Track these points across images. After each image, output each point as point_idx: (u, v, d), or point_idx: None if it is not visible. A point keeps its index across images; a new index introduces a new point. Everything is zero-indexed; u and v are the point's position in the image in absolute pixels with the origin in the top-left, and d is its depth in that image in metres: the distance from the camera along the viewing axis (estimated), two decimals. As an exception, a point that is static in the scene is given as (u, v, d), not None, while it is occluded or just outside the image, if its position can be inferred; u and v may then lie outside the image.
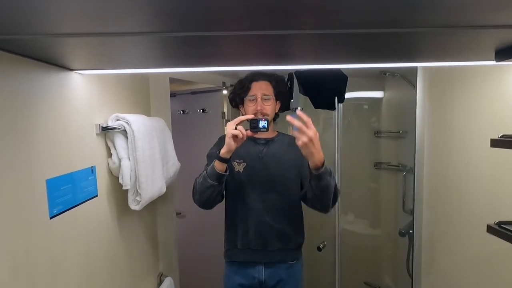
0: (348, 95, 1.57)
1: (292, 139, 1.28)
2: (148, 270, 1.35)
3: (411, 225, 1.64)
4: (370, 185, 2.16)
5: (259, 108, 1.16)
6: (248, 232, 1.19)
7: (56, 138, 0.76)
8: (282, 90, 1.26)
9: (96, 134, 0.93)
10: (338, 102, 1.46)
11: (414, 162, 1.43)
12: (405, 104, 1.78)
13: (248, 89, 1.19)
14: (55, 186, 0.74)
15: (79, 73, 0.85)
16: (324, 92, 1.43)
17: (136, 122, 1.01)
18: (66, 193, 0.78)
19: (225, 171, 1.07)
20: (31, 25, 0.49)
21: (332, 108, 1.47)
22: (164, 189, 1.17)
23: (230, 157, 1.05)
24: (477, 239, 1.03)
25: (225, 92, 1.94)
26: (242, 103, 1.22)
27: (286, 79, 1.65)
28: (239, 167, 1.19)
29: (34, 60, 0.69)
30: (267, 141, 1.23)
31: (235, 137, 1.01)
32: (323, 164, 0.99)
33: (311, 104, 1.54)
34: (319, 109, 1.68)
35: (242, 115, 1.18)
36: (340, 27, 0.53)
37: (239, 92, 1.21)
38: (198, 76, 1.76)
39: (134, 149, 0.99)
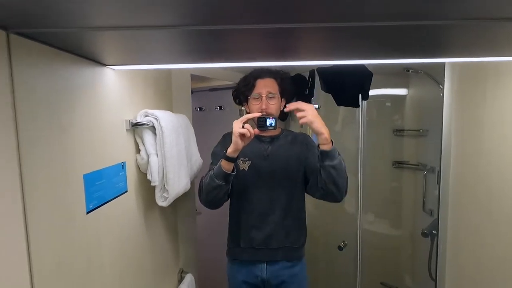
0: (370, 92, 1.54)
1: (296, 134, 1.27)
2: (170, 266, 1.35)
3: (433, 226, 1.60)
4: (389, 185, 2.12)
5: (264, 107, 1.12)
6: (252, 231, 1.18)
7: (91, 133, 0.76)
8: (288, 87, 1.22)
9: (126, 130, 0.93)
10: (362, 99, 1.43)
11: (440, 162, 1.40)
12: (428, 102, 1.74)
13: (252, 86, 1.15)
14: (91, 181, 0.74)
15: (112, 69, 0.85)
16: (348, 89, 1.41)
17: (164, 118, 1.01)
18: (100, 189, 0.78)
19: (232, 171, 1.05)
20: (69, 18, 0.49)
21: (356, 105, 1.44)
22: (189, 186, 1.17)
23: (237, 156, 1.03)
24: (508, 242, 1.00)
25: (243, 89, 1.92)
26: (246, 101, 1.19)
27: (307, 76, 1.64)
28: (244, 165, 1.18)
29: (72, 55, 0.69)
30: (272, 139, 1.21)
31: (242, 136, 0.99)
32: (330, 140, 1.01)
33: (333, 102, 1.52)
34: (338, 107, 1.65)
35: (247, 112, 1.16)
36: (361, 19, 0.51)
37: (243, 90, 1.18)
38: (217, 73, 1.75)
39: (162, 145, 0.99)
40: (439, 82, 1.47)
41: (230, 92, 2.03)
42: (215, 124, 2.07)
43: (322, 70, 1.43)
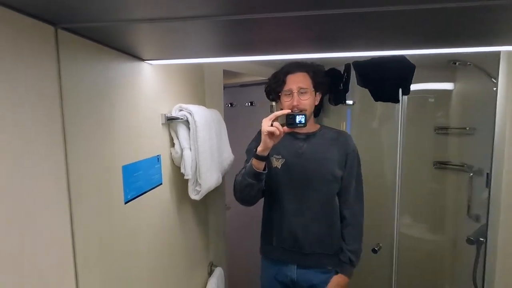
0: (411, 86, 1.44)
1: (336, 133, 1.20)
2: (200, 259, 1.38)
3: (480, 232, 1.47)
4: (429, 186, 1.99)
5: (295, 103, 1.08)
6: (283, 231, 1.15)
7: (129, 126, 0.78)
8: (321, 80, 1.15)
9: (162, 124, 0.95)
10: (403, 94, 1.34)
11: (491, 163, 1.27)
12: (478, 97, 1.60)
13: (283, 82, 1.11)
14: (129, 172, 0.76)
15: (149, 63, 0.87)
16: (387, 83, 1.33)
17: (198, 113, 1.01)
18: (137, 180, 0.81)
19: (264, 169, 1.02)
20: (113, 11, 0.50)
21: (396, 100, 1.36)
22: (220, 180, 1.18)
23: (268, 154, 1.01)
24: None
25: (274, 84, 1.90)
26: (278, 98, 1.16)
27: (342, 71, 1.57)
28: (277, 163, 1.14)
29: (113, 50, 0.71)
30: (308, 136, 1.16)
31: (271, 134, 0.96)
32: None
33: (370, 97, 1.44)
34: (376, 103, 1.57)
35: (280, 109, 1.12)
36: (404, 2, 0.45)
37: (274, 86, 1.14)
38: (248, 68, 1.74)
39: (195, 139, 1.00)
40: (492, 75, 1.33)
41: (260, 87, 2.01)
42: (246, 120, 2.07)
43: (358, 64, 1.36)
